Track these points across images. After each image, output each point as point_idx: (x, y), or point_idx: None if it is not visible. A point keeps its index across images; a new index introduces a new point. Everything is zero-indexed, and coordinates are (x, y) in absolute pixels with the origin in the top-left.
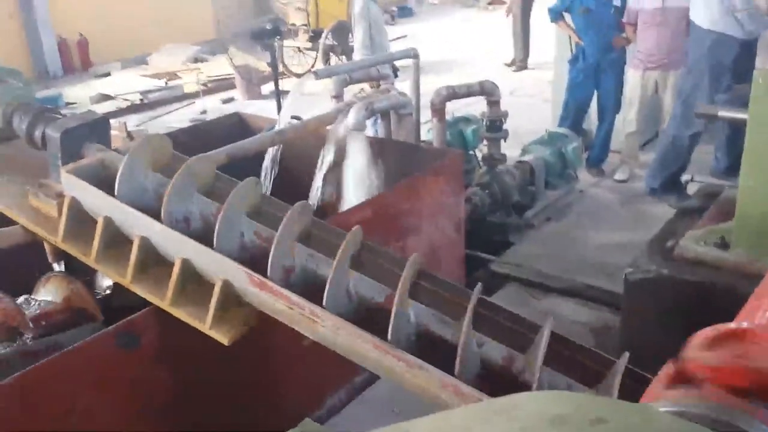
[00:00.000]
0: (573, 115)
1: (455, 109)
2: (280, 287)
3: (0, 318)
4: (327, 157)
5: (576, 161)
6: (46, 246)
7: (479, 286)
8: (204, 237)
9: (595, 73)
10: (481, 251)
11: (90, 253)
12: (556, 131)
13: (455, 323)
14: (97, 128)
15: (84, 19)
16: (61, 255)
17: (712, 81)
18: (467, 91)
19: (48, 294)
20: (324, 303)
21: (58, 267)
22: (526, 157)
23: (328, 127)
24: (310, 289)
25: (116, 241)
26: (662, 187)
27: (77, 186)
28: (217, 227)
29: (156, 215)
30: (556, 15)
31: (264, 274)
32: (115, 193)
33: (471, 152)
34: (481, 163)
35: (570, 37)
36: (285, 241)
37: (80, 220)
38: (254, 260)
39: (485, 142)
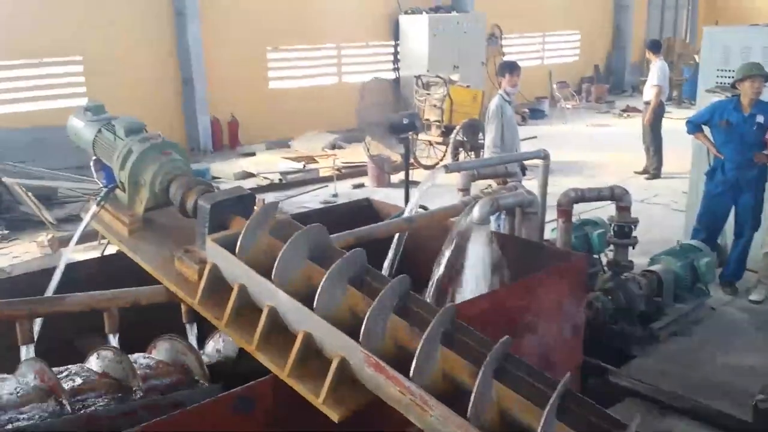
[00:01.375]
0: (708, 228)
1: (581, 211)
2: (393, 370)
3: (112, 373)
4: (450, 247)
5: (708, 276)
6: (183, 307)
7: (567, 376)
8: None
9: (734, 187)
10: (600, 360)
11: (222, 317)
12: (689, 243)
13: (538, 410)
14: (243, 202)
15: (237, 103)
16: (194, 317)
17: None
18: (597, 195)
19: (159, 354)
20: (411, 375)
21: (191, 328)
22: (655, 267)
23: (453, 219)
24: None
25: (247, 308)
26: None
27: (219, 254)
28: (319, 295)
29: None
30: (694, 127)
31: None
32: (236, 255)
33: (596, 256)
34: (605, 269)
35: (708, 149)
36: (384, 319)
37: (217, 286)
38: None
39: (611, 247)
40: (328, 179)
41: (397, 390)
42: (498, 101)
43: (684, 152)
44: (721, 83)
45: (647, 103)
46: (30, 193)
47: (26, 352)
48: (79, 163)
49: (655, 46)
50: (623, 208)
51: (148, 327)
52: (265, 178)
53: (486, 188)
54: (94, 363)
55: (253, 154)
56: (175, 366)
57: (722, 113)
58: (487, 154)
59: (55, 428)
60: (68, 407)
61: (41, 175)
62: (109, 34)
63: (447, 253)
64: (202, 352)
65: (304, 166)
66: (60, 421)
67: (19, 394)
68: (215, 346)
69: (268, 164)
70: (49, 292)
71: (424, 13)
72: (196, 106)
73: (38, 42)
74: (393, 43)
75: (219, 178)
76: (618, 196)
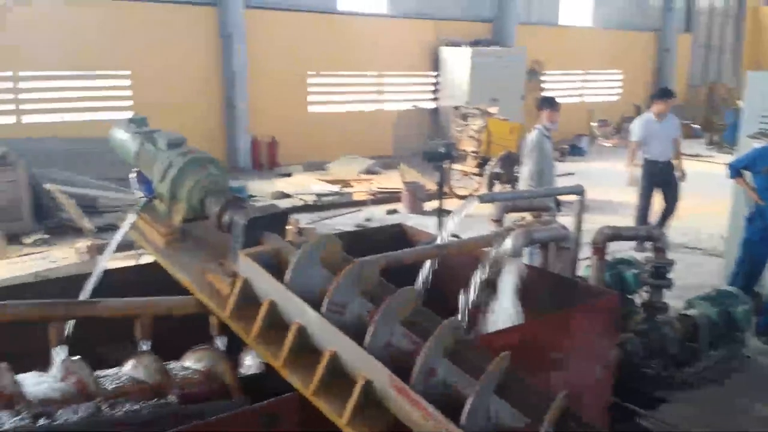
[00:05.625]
0: (746, 274)
1: (616, 250)
2: (419, 396)
3: (148, 379)
4: (480, 277)
5: (744, 324)
6: (212, 320)
7: None
8: (355, 335)
9: None
10: (630, 402)
11: (250, 332)
12: (726, 289)
13: None
14: (276, 220)
15: (277, 124)
16: (223, 330)
17: None
18: (633, 234)
19: (195, 363)
20: (462, 421)
21: (220, 341)
22: (690, 312)
23: (484, 249)
24: (449, 405)
25: (275, 325)
26: None
27: (251, 269)
28: (370, 328)
29: (315, 306)
30: (736, 172)
31: (406, 381)
32: (285, 281)
33: (629, 296)
34: (639, 310)
35: (748, 195)
36: (431, 354)
37: (247, 301)
38: (399, 367)
39: (645, 288)
40: (362, 203)
41: (421, 415)
42: (537, 135)
43: (723, 197)
44: (764, 129)
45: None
46: (71, 201)
47: (59, 353)
48: (120, 174)
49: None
50: (660, 249)
51: (178, 338)
52: (301, 199)
53: (520, 220)
54: (130, 368)
55: (290, 175)
56: (210, 376)
57: (765, 159)
58: (522, 186)
59: (86, 429)
60: (103, 409)
61: (83, 184)
62: (158, 51)
63: (477, 283)
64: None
65: (340, 189)
66: (91, 422)
67: (54, 394)
68: (245, 361)
69: (304, 185)
70: (84, 297)
71: (464, 45)
72: (238, 126)
73: (88, 55)
74: (433, 73)
75: (255, 196)
76: (655, 236)
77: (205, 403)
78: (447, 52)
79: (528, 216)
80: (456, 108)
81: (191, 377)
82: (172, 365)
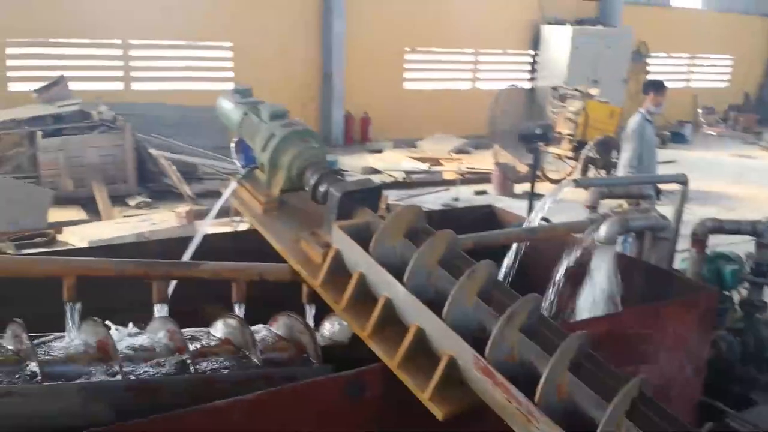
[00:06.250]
0: None
1: (715, 244)
2: (502, 377)
3: (233, 340)
4: (569, 263)
5: None
6: (304, 288)
7: (709, 425)
8: (438, 308)
9: None
10: (719, 401)
11: (340, 301)
12: None
13: None
14: (370, 195)
15: (371, 100)
16: (313, 298)
17: None
18: (736, 228)
19: (279, 329)
20: (536, 398)
21: (310, 309)
22: None
23: (576, 235)
24: (523, 379)
25: (364, 296)
26: None
27: (343, 241)
28: (449, 302)
29: (399, 277)
30: None
31: (482, 353)
32: (370, 251)
33: (726, 293)
34: (737, 308)
35: None
36: (509, 331)
37: (338, 271)
38: (477, 339)
39: (745, 285)
40: (450, 183)
41: (504, 397)
42: (639, 120)
43: None
44: None
45: None
46: (173, 167)
47: (159, 310)
48: (219, 143)
49: None
50: (764, 246)
51: (268, 303)
52: (390, 175)
53: (617, 207)
54: (218, 329)
55: (381, 151)
56: (292, 342)
57: None
58: (621, 172)
59: (177, 385)
60: (191, 368)
61: (185, 150)
62: (260, 23)
63: (566, 269)
64: (317, 332)
65: (429, 168)
66: (181, 380)
67: (148, 350)
68: (329, 330)
69: (393, 162)
70: (185, 258)
71: (567, 24)
72: (333, 100)
73: (193, 26)
74: (531, 52)
75: (346, 171)
76: (760, 232)
77: (293, 367)
78: (548, 30)
79: (625, 203)
80: (554, 88)
81: (274, 342)
82: (259, 330)
